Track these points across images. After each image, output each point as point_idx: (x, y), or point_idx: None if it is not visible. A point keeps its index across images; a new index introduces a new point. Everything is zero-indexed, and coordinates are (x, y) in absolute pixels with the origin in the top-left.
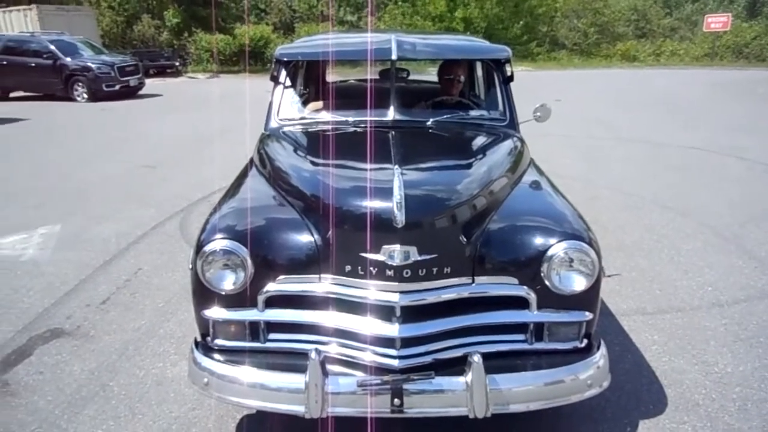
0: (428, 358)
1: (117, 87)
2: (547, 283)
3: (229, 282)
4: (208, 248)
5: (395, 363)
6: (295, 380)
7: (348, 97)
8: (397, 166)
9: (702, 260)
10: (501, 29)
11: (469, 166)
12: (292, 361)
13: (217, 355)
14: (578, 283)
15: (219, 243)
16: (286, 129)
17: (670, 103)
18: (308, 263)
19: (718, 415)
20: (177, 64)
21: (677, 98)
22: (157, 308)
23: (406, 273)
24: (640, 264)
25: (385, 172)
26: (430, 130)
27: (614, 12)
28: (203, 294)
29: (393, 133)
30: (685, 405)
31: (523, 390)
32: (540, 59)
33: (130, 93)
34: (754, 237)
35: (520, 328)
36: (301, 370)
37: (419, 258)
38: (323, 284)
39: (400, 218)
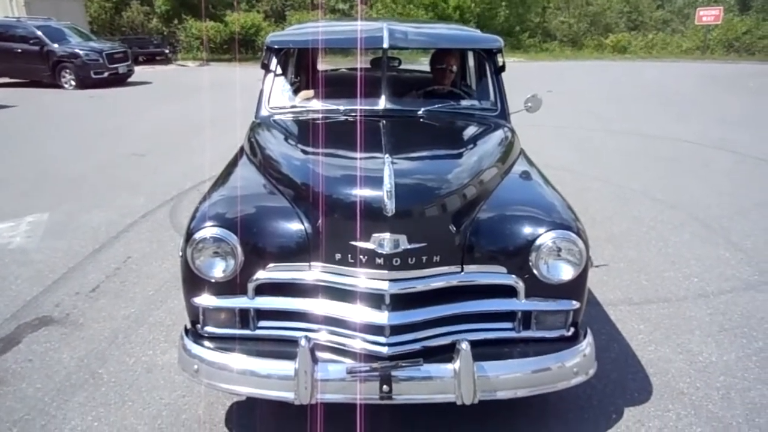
0: (417, 346)
1: (105, 74)
2: (535, 272)
3: (219, 270)
4: (198, 236)
5: (384, 350)
6: (284, 367)
7: (339, 86)
8: (387, 155)
9: (689, 251)
10: (492, 18)
11: (459, 155)
12: (282, 348)
13: (207, 343)
14: (566, 273)
15: (209, 231)
16: (276, 117)
17: (662, 96)
18: (298, 251)
19: (702, 404)
20: (167, 51)
21: (668, 90)
22: (146, 296)
23: (396, 261)
24: (627, 255)
25: (376, 161)
26: (421, 120)
27: (604, 2)
28: (193, 282)
29: (384, 122)
30: (669, 393)
31: (511, 377)
32: (532, 50)
33: (119, 80)
34: (741, 229)
35: (508, 316)
36: (290, 357)
37: (409, 246)
38: (313, 272)
39: (390, 207)
